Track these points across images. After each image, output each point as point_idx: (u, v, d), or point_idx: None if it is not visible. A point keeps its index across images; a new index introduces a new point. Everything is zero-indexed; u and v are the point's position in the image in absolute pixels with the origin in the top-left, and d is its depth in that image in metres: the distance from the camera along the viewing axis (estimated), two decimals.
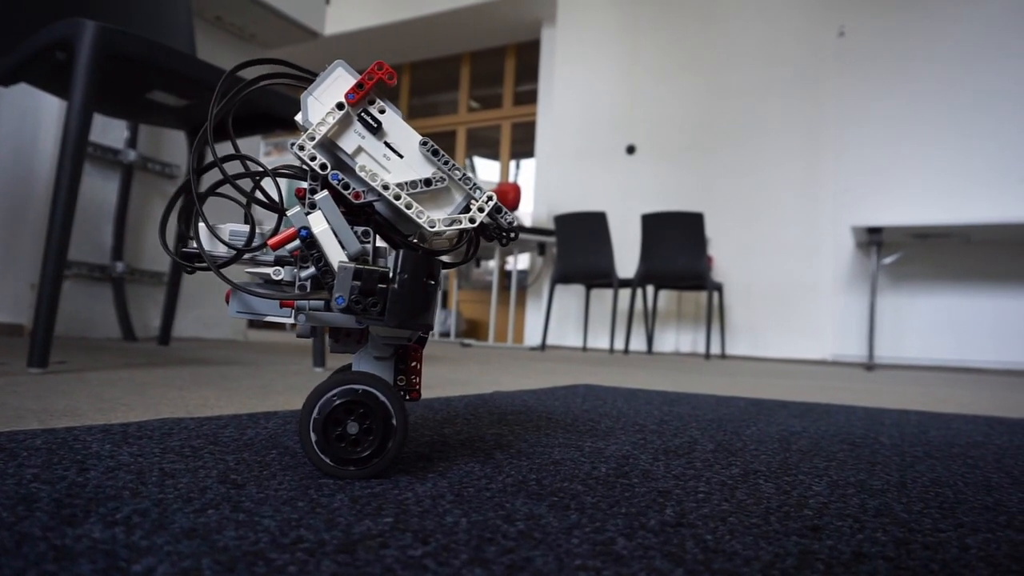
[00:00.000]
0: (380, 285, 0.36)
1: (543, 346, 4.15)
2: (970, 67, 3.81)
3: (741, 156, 4.41)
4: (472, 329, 6.05)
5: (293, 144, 0.37)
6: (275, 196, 0.41)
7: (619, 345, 4.52)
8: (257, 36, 2.37)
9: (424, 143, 0.39)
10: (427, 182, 0.39)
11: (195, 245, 0.39)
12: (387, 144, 0.39)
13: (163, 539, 0.25)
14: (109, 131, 1.92)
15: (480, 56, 6.08)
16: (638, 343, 4.56)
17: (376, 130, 0.39)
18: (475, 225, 0.39)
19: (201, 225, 0.39)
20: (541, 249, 4.70)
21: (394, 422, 0.38)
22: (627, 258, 4.58)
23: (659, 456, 0.50)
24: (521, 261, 5.31)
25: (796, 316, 4.17)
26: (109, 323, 1.97)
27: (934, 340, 3.80)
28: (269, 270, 0.39)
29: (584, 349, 4.53)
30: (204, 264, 0.39)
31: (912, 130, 3.92)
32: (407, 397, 0.42)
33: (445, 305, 5.59)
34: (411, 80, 6.48)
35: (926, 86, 3.90)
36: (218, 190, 0.42)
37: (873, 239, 3.52)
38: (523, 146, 5.85)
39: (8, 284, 1.78)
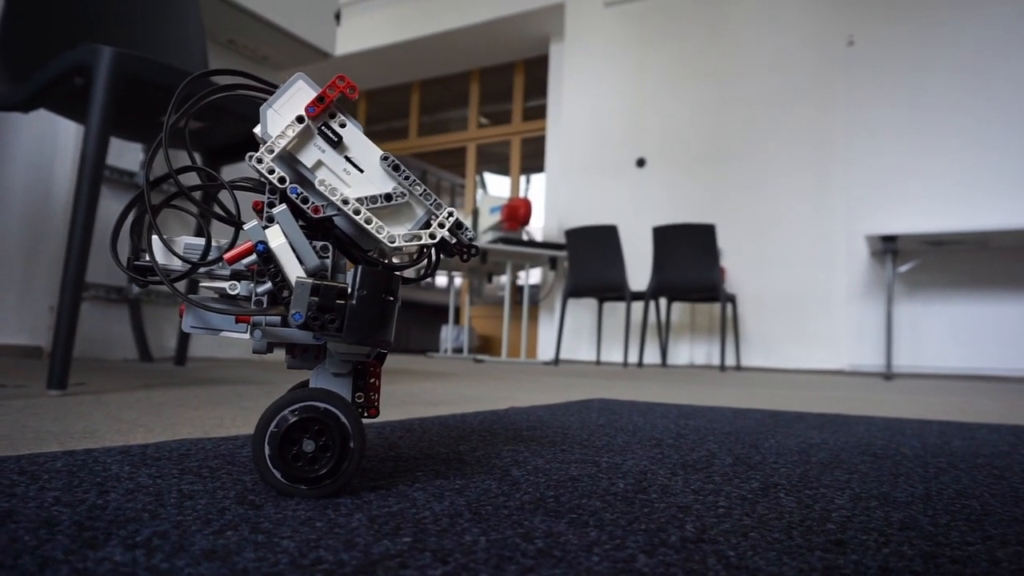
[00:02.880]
0: (338, 301, 0.36)
1: (556, 361, 4.14)
2: (980, 74, 3.79)
3: (752, 167, 4.40)
4: (485, 345, 6.04)
5: (251, 156, 0.37)
6: (234, 209, 0.41)
7: (633, 358, 4.50)
8: (270, 58, 2.41)
9: (385, 158, 0.39)
10: (387, 197, 0.38)
11: (149, 258, 0.38)
12: (347, 158, 0.38)
13: (183, 561, 0.25)
14: (125, 154, 1.95)
15: (489, 73, 6.12)
16: (652, 356, 4.53)
17: (337, 144, 0.38)
18: (436, 241, 0.39)
19: (155, 238, 0.38)
20: (553, 263, 4.70)
21: (351, 444, 0.37)
22: (639, 271, 4.57)
23: (677, 471, 0.50)
24: (533, 276, 5.31)
25: (811, 326, 4.13)
26: (126, 344, 1.98)
27: (952, 348, 3.75)
28: (225, 284, 0.38)
29: (598, 363, 4.51)
30: (158, 278, 0.38)
31: (924, 138, 3.89)
32: (365, 414, 0.41)
33: (458, 321, 5.59)
34: (421, 98, 6.54)
35: (937, 94, 3.88)
36: (174, 203, 0.41)
37: (888, 247, 3.49)
38: (533, 161, 5.87)
39: (27, 307, 1.80)
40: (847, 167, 4.09)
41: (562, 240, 4.77)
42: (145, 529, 0.29)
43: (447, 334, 5.27)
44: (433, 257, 0.42)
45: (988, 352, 3.68)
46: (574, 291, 4.07)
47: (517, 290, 5.17)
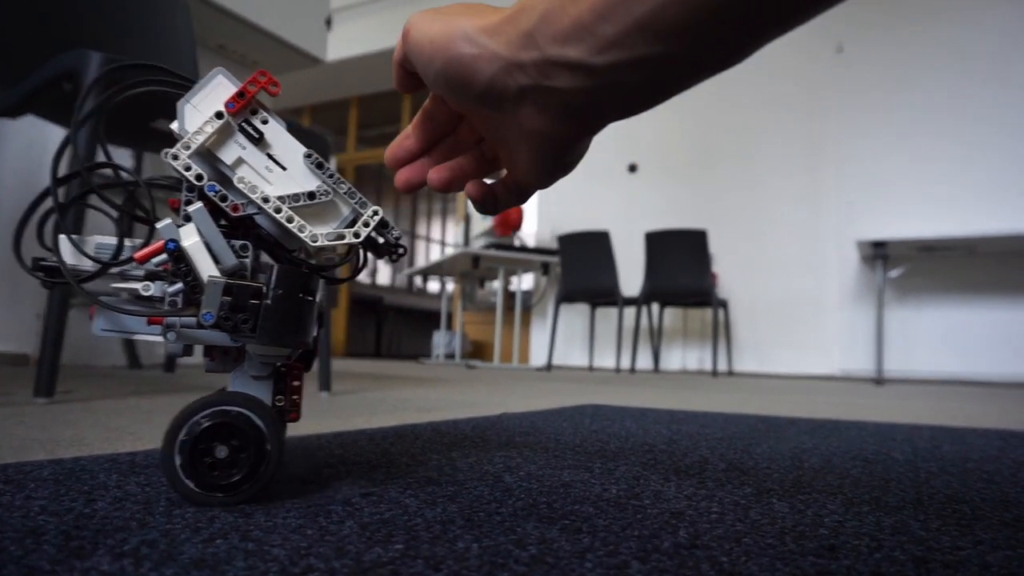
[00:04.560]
0: (252, 301, 0.35)
1: (549, 366, 4.14)
2: (970, 79, 3.83)
3: (743, 172, 4.43)
4: (477, 350, 6.04)
5: (166, 152, 0.36)
6: (150, 207, 0.39)
7: (625, 364, 4.50)
8: (260, 63, 2.40)
9: (308, 155, 0.38)
10: (310, 195, 0.37)
11: (55, 258, 0.37)
12: (270, 156, 0.37)
13: (172, 570, 0.25)
14: (114, 159, 1.93)
15: None
16: (644, 361, 4.54)
17: (258, 141, 0.37)
18: (360, 240, 0.38)
19: (62, 237, 0.37)
20: (545, 269, 4.71)
21: (268, 447, 0.36)
22: (631, 276, 4.58)
23: (670, 476, 0.50)
24: (525, 281, 5.32)
25: (802, 331, 4.15)
26: (114, 351, 1.97)
27: (942, 353, 3.78)
28: (139, 285, 0.37)
29: (590, 368, 4.52)
30: (65, 279, 0.37)
31: (914, 143, 3.92)
32: (286, 419, 0.40)
33: (450, 327, 5.59)
34: (413, 104, 6.54)
35: (926, 99, 3.92)
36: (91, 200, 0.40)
37: (878, 253, 3.51)
38: None
39: (14, 314, 1.78)
40: (837, 172, 4.12)
41: (554, 245, 4.78)
42: (133, 538, 0.29)
43: (439, 340, 5.26)
44: (361, 257, 0.41)
45: (978, 357, 3.70)
46: (566, 296, 4.07)
47: (509, 295, 5.17)
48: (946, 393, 2.39)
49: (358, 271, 0.42)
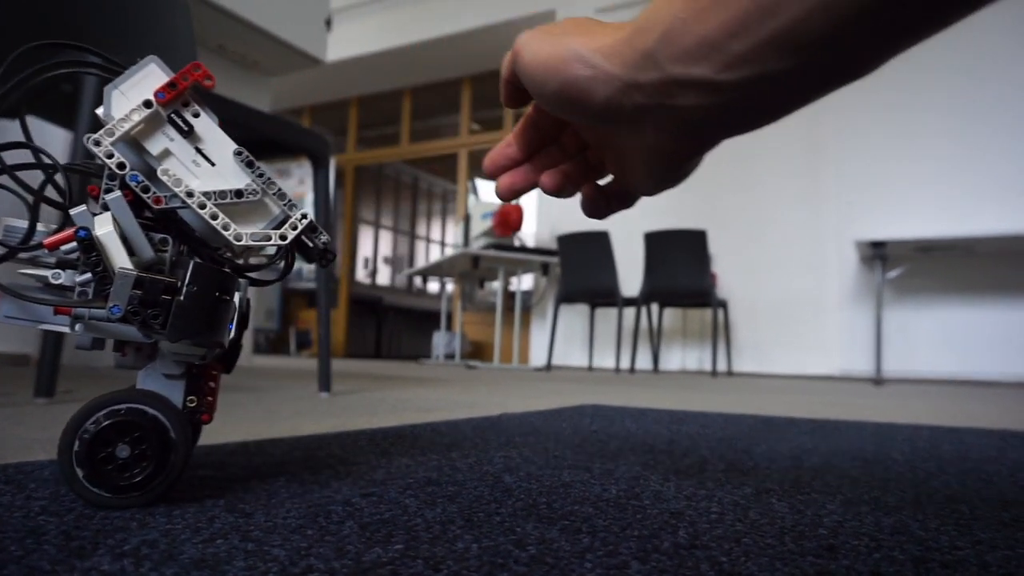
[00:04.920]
0: (164, 296, 0.34)
1: (549, 366, 4.14)
2: (970, 78, 3.83)
3: (742, 172, 4.43)
4: (477, 351, 6.04)
5: (88, 137, 0.35)
6: (66, 191, 0.38)
7: (625, 364, 4.50)
8: (260, 64, 2.40)
9: (239, 153, 0.37)
10: (238, 193, 0.36)
11: None
12: (198, 150, 0.36)
13: (172, 570, 0.25)
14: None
15: (480, 79, 6.13)
16: (644, 362, 4.54)
17: (187, 134, 0.36)
18: (286, 243, 0.37)
19: None
20: (545, 269, 4.71)
21: (172, 435, 0.35)
22: (631, 276, 4.58)
23: (670, 476, 0.50)
24: (525, 281, 5.32)
25: (802, 332, 4.15)
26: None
27: (941, 353, 3.78)
28: (48, 273, 0.35)
29: (590, 368, 4.52)
30: None
31: (913, 143, 3.93)
32: (198, 419, 0.39)
33: (450, 327, 5.59)
34: (412, 104, 6.54)
35: (927, 98, 3.92)
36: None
37: (877, 253, 3.51)
38: None
39: None
40: (837, 173, 4.12)
41: (554, 246, 4.78)
42: (133, 538, 0.29)
43: (439, 340, 5.26)
44: (289, 259, 0.40)
45: (977, 357, 3.70)
46: (566, 297, 4.08)
47: (509, 296, 5.17)
48: (945, 393, 2.39)
49: (284, 274, 0.40)
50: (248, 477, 0.44)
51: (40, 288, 0.36)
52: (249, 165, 0.37)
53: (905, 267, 3.86)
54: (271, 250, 0.38)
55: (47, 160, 0.38)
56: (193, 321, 0.34)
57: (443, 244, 8.62)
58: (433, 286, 8.20)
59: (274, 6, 2.19)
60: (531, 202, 5.53)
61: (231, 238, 0.36)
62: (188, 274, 0.34)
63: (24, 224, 0.36)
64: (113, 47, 1.38)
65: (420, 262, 8.16)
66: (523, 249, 4.63)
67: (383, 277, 7.98)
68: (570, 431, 0.77)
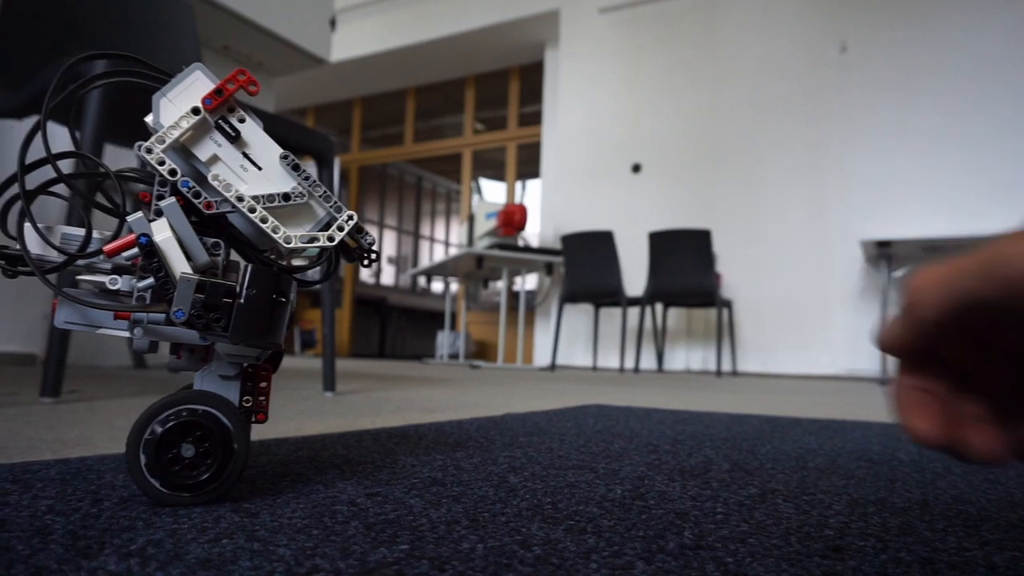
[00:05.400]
0: (225, 300, 0.34)
1: (553, 366, 4.14)
2: (974, 78, 3.81)
3: (747, 172, 4.42)
4: (481, 351, 6.04)
5: (140, 145, 0.35)
6: (120, 199, 0.39)
7: (629, 364, 4.50)
8: (264, 64, 2.41)
9: (284, 156, 0.37)
10: (285, 196, 0.37)
11: (20, 247, 0.36)
12: (245, 155, 0.37)
13: (178, 570, 0.25)
14: (120, 160, 1.94)
15: (484, 79, 6.14)
16: (648, 362, 4.54)
17: (234, 139, 0.37)
18: (334, 244, 0.38)
19: (28, 226, 0.36)
20: (549, 269, 4.70)
21: (235, 445, 0.36)
22: (635, 276, 4.58)
23: (675, 477, 0.50)
24: (529, 281, 5.32)
25: (807, 331, 4.14)
26: (120, 351, 1.97)
27: None
28: (106, 279, 0.36)
29: (594, 368, 4.51)
30: (28, 268, 0.36)
31: (918, 143, 3.91)
32: (253, 419, 0.40)
33: (454, 327, 5.59)
34: (416, 104, 6.55)
35: (930, 99, 3.91)
36: (52, 189, 0.38)
37: (883, 253, 3.50)
38: (529, 167, 5.87)
39: (21, 314, 1.79)
40: (841, 172, 4.10)
41: (558, 246, 4.78)
42: (139, 538, 0.29)
43: (443, 340, 5.26)
44: (334, 260, 0.40)
45: None
46: (570, 296, 4.07)
47: (513, 296, 5.17)
48: None
49: (330, 274, 0.41)
50: (253, 477, 0.44)
51: (95, 293, 0.37)
52: (295, 168, 0.37)
53: (911, 267, 3.85)
54: (313, 250, 0.38)
55: (100, 168, 0.39)
56: (253, 323, 0.35)
57: (447, 244, 8.63)
58: (437, 286, 8.21)
59: (279, 7, 2.19)
60: (535, 202, 5.53)
61: (281, 241, 0.36)
62: (247, 277, 0.35)
63: (79, 232, 0.37)
64: (118, 47, 1.39)
65: (424, 262, 8.16)
66: (527, 249, 4.63)
67: (387, 277, 7.99)
68: (575, 431, 0.77)
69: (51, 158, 0.36)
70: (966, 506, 0.43)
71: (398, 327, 7.67)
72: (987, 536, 0.35)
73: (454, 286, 5.92)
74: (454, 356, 5.25)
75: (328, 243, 0.37)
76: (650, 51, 4.85)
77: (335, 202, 0.38)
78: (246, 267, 0.35)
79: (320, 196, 0.38)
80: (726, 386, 2.41)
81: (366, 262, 0.40)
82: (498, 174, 6.23)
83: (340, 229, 0.38)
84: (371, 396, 1.27)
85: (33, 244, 0.36)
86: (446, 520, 0.34)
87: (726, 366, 4.23)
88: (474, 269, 4.63)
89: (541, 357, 5.04)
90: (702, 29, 4.68)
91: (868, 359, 3.92)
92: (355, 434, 0.68)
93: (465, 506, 0.38)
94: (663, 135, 4.73)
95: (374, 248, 0.40)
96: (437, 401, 1.21)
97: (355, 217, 0.38)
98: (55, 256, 0.36)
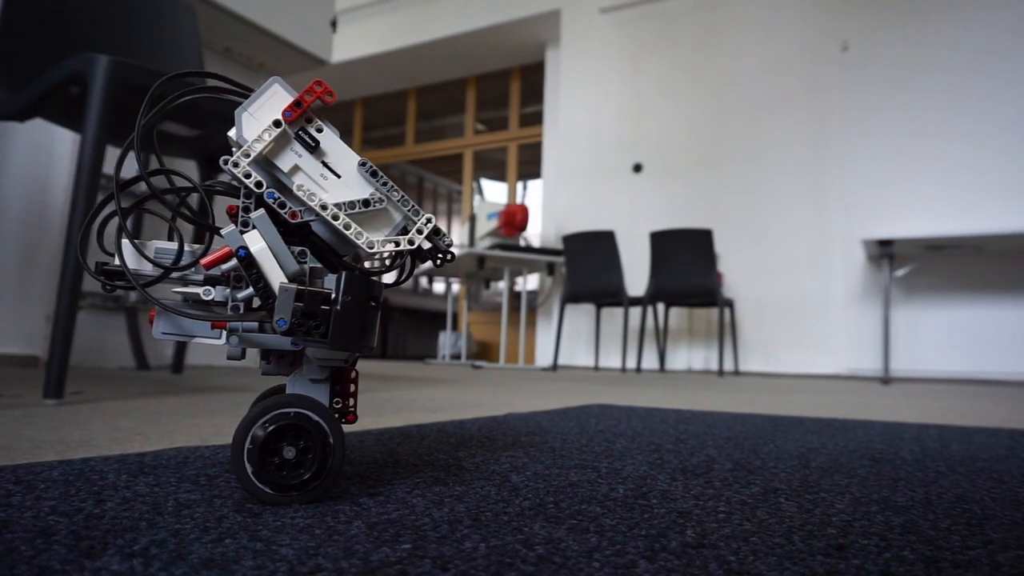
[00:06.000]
0: (323, 307, 0.35)
1: (555, 366, 4.14)
2: (976, 77, 3.81)
3: (748, 172, 4.41)
4: (483, 351, 6.04)
5: (226, 161, 0.36)
6: (208, 214, 0.40)
7: (631, 364, 4.50)
8: (266, 65, 2.41)
9: (363, 163, 0.38)
10: (365, 203, 0.38)
11: (118, 262, 0.37)
12: (324, 163, 0.38)
13: (181, 570, 0.25)
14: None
15: (485, 79, 6.14)
16: (650, 361, 4.53)
17: (314, 149, 0.38)
18: (414, 247, 0.39)
19: (125, 242, 0.38)
20: (550, 269, 4.70)
21: (331, 441, 0.37)
22: (637, 276, 4.58)
23: (677, 476, 0.50)
24: (531, 281, 5.31)
25: (809, 331, 4.14)
26: (123, 352, 1.98)
27: (949, 352, 3.76)
28: (199, 290, 0.38)
29: (596, 368, 4.51)
30: (125, 282, 0.37)
31: (920, 142, 3.91)
32: (343, 420, 0.41)
33: (456, 327, 5.59)
34: (417, 104, 6.55)
35: (932, 97, 3.90)
36: (146, 206, 0.41)
37: (884, 252, 3.50)
38: (530, 167, 5.87)
39: (23, 316, 1.79)
40: (843, 171, 4.10)
41: (560, 246, 4.78)
42: (142, 538, 0.29)
43: (445, 340, 5.26)
44: (409, 263, 0.41)
45: (986, 356, 3.68)
46: (572, 296, 4.07)
47: (515, 296, 5.17)
48: (954, 392, 2.38)
49: (407, 277, 0.42)
50: None
51: (187, 304, 0.38)
52: (373, 175, 0.38)
53: (913, 266, 3.85)
54: (386, 254, 0.40)
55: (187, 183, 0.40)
56: (351, 328, 0.36)
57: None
58: (439, 286, 8.21)
59: (280, 8, 2.19)
60: (537, 202, 5.53)
61: (364, 246, 0.38)
62: (343, 284, 0.36)
63: (171, 246, 0.38)
64: (120, 49, 1.39)
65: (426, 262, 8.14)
66: (529, 249, 4.63)
67: (388, 277, 7.98)
68: (576, 431, 0.77)
69: (145, 176, 0.38)
70: (969, 505, 0.42)
71: (400, 328, 7.67)
72: (991, 535, 0.35)
73: (456, 286, 5.92)
74: (456, 356, 5.25)
75: (409, 246, 0.39)
76: (651, 51, 4.85)
77: (412, 206, 0.39)
78: (340, 274, 0.36)
79: (398, 200, 0.39)
80: (728, 386, 2.41)
81: (439, 262, 0.41)
82: (499, 174, 6.23)
83: (419, 232, 0.39)
84: (373, 396, 1.27)
85: (130, 259, 0.38)
86: (448, 519, 0.34)
87: (728, 366, 4.23)
88: (476, 269, 4.63)
89: (543, 357, 5.04)
90: (703, 28, 4.68)
91: (870, 358, 3.91)
92: (357, 434, 0.68)
93: (467, 505, 0.38)
94: (664, 135, 4.73)
95: (451, 249, 0.41)
96: (439, 401, 1.21)
97: (433, 220, 0.39)
98: (150, 270, 0.38)
